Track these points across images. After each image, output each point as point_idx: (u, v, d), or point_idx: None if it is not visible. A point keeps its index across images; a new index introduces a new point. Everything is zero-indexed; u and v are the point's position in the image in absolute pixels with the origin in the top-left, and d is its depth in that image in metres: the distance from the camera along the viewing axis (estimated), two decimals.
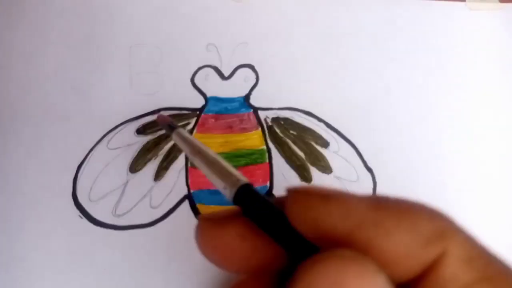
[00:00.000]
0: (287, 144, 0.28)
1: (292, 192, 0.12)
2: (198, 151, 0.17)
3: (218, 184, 0.15)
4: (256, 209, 0.13)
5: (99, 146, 0.27)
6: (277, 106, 0.28)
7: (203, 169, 0.17)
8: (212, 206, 0.26)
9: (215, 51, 0.29)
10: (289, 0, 0.31)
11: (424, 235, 0.10)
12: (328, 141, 0.28)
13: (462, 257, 0.10)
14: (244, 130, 0.28)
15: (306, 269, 0.10)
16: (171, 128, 0.21)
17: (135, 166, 0.27)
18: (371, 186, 0.27)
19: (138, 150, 0.27)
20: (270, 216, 0.12)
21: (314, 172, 0.27)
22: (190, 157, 0.18)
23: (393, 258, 0.10)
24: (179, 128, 0.21)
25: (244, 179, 0.14)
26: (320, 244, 0.11)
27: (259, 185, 0.27)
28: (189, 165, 0.27)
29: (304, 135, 0.28)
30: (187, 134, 0.20)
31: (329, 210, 0.11)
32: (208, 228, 0.14)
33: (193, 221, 0.26)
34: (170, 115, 0.28)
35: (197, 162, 0.17)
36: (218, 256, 0.13)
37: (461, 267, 0.10)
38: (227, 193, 0.14)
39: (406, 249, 0.10)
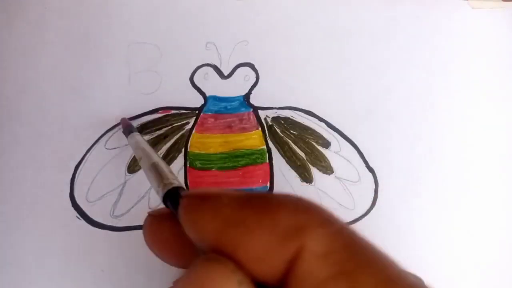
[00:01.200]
0: (287, 144, 0.28)
1: (182, 197, 0.13)
2: (143, 154, 0.20)
3: (153, 185, 0.17)
4: (177, 210, 0.14)
5: (96, 146, 0.27)
6: (277, 106, 0.28)
7: (144, 171, 0.18)
8: None
9: (214, 50, 0.29)
10: None
11: (281, 231, 0.10)
12: (329, 141, 0.28)
13: (317, 252, 0.10)
14: (243, 129, 0.28)
15: (184, 274, 0.11)
16: (129, 132, 0.23)
17: (133, 166, 0.26)
18: (373, 186, 0.27)
19: None
20: None
21: (315, 172, 0.27)
22: (138, 159, 0.20)
23: (255, 257, 0.10)
24: (136, 133, 0.23)
25: (176, 183, 0.15)
26: (202, 246, 0.12)
27: (259, 185, 0.27)
28: (188, 165, 0.27)
29: (305, 135, 0.28)
30: (140, 139, 0.22)
31: (201, 212, 0.11)
32: (150, 223, 0.15)
33: None
34: (169, 115, 0.28)
35: (141, 164, 0.19)
36: (157, 249, 0.14)
37: (317, 263, 0.10)
38: (159, 194, 0.16)
39: (265, 247, 0.10)
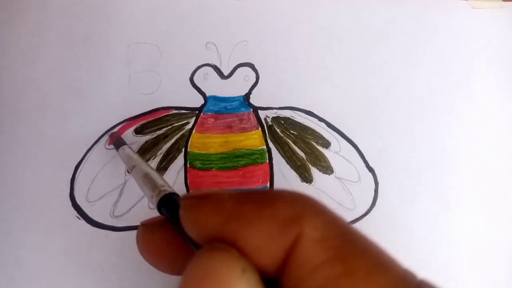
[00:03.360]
0: (287, 144, 0.28)
1: (181, 199, 0.13)
2: (134, 165, 0.20)
3: (147, 194, 0.17)
4: (172, 216, 0.14)
5: (96, 146, 0.27)
6: (277, 106, 0.28)
7: (137, 181, 0.19)
8: None
9: (214, 50, 0.29)
10: None
11: (280, 221, 0.11)
12: (329, 141, 0.28)
13: (314, 238, 0.11)
14: (243, 129, 0.28)
15: (186, 267, 0.11)
16: (119, 144, 0.24)
17: None
18: (373, 186, 0.27)
19: (136, 150, 0.27)
20: (179, 222, 0.13)
21: (315, 172, 0.27)
22: (129, 171, 0.21)
23: (256, 246, 0.11)
24: (126, 146, 0.24)
25: (169, 189, 0.16)
26: (206, 242, 0.12)
27: (259, 185, 0.26)
28: (188, 165, 0.27)
29: (305, 135, 0.28)
30: (129, 151, 0.23)
31: (202, 210, 0.12)
32: (142, 233, 0.15)
33: None
34: (169, 115, 0.28)
35: (133, 174, 0.20)
36: (150, 257, 0.15)
37: (314, 247, 0.11)
38: (154, 201, 0.16)
39: (266, 236, 0.11)
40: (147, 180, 0.18)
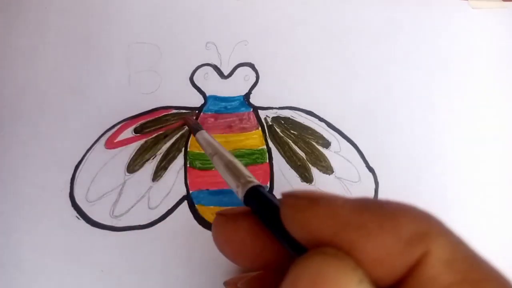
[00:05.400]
0: (287, 144, 0.28)
1: (284, 196, 0.12)
2: (216, 152, 0.19)
3: (231, 183, 0.16)
4: (261, 209, 0.14)
5: (96, 146, 0.27)
6: (277, 105, 0.28)
7: (219, 169, 0.18)
8: (212, 207, 0.26)
9: (214, 50, 0.29)
10: None
11: (405, 237, 0.10)
12: (330, 141, 0.28)
13: (443, 259, 0.10)
14: (244, 129, 0.28)
15: (293, 267, 0.10)
16: (196, 129, 0.23)
17: (133, 166, 0.26)
18: (373, 186, 0.27)
19: (136, 149, 0.27)
20: (273, 218, 0.13)
21: (315, 172, 0.27)
22: (210, 157, 0.20)
23: (375, 259, 0.10)
24: (203, 130, 0.23)
25: (255, 181, 0.15)
26: (311, 245, 0.12)
27: None
28: (188, 165, 0.27)
29: (305, 135, 0.28)
30: (208, 136, 0.22)
31: (315, 213, 0.11)
32: (223, 223, 0.14)
33: (192, 222, 0.25)
34: (169, 114, 0.28)
35: (214, 162, 0.19)
36: (230, 250, 0.14)
37: (442, 268, 0.10)
38: (239, 192, 0.15)
39: (388, 250, 0.10)
40: (231, 170, 0.17)
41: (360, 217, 0.11)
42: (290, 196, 0.12)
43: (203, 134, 0.22)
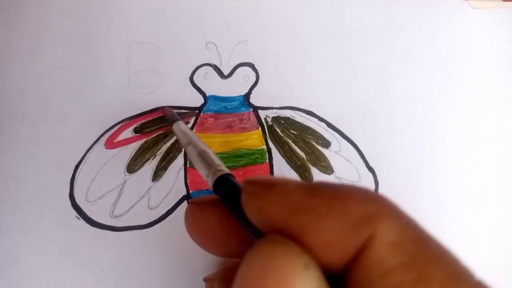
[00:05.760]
0: (287, 144, 0.28)
1: (244, 183, 0.13)
2: (190, 142, 0.20)
3: (202, 172, 0.17)
4: (228, 197, 0.14)
5: (96, 146, 0.27)
6: (277, 105, 0.28)
7: (192, 158, 0.19)
8: None
9: (214, 50, 0.29)
10: None
11: (353, 219, 0.11)
12: (330, 141, 0.28)
13: (389, 241, 0.10)
14: (244, 129, 0.28)
15: (245, 256, 0.11)
16: (173, 120, 0.24)
17: (133, 166, 0.26)
18: (373, 186, 0.27)
19: (136, 149, 0.27)
20: (237, 205, 0.13)
21: (315, 172, 0.27)
22: (184, 147, 0.20)
23: (325, 242, 0.11)
24: (180, 121, 0.23)
25: (225, 170, 0.16)
26: (267, 231, 0.12)
27: None
28: (188, 165, 0.27)
29: (305, 135, 0.28)
30: (184, 127, 0.22)
31: (269, 198, 0.12)
32: (193, 211, 0.15)
33: None
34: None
35: (188, 151, 0.19)
36: (199, 236, 0.15)
37: (388, 250, 0.10)
38: (209, 181, 0.16)
39: (336, 233, 0.11)
40: (203, 158, 0.17)
41: (310, 200, 0.11)
42: (249, 183, 0.12)
43: (179, 125, 0.23)
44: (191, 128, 0.27)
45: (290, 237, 0.11)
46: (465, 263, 0.11)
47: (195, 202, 0.15)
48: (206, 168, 0.17)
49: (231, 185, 0.15)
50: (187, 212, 0.15)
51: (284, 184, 0.12)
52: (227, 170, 0.16)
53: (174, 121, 0.24)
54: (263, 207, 0.12)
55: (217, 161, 0.17)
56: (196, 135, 0.21)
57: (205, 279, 0.17)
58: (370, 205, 0.11)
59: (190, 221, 0.15)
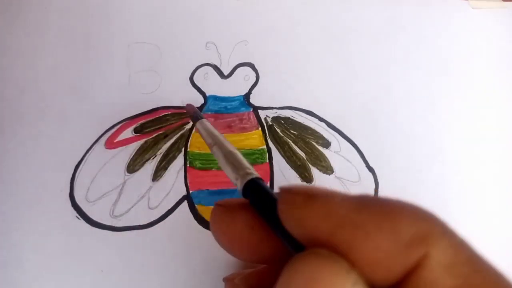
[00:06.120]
0: (287, 144, 0.28)
1: (282, 190, 0.12)
2: (215, 142, 0.19)
3: (230, 175, 0.16)
4: (260, 203, 0.14)
5: (96, 146, 0.27)
6: (277, 105, 0.28)
7: (218, 160, 0.18)
8: (212, 207, 0.26)
9: (214, 50, 0.29)
10: None
11: (405, 239, 0.10)
12: (329, 141, 0.28)
13: (443, 262, 0.10)
14: (243, 129, 0.28)
15: (287, 268, 0.10)
16: (196, 117, 0.22)
17: (133, 166, 0.26)
18: (373, 186, 0.27)
19: (136, 149, 0.27)
20: (271, 212, 0.13)
21: (315, 172, 0.27)
22: (209, 147, 0.19)
23: (372, 260, 0.10)
24: (204, 119, 0.22)
25: (255, 173, 0.15)
26: (307, 242, 0.11)
27: None
28: (188, 165, 0.27)
29: (305, 135, 0.28)
30: (209, 126, 0.21)
31: (312, 210, 0.11)
32: (221, 213, 0.14)
33: (192, 222, 0.25)
34: (169, 114, 0.28)
35: (214, 152, 0.18)
36: (227, 241, 0.14)
37: (442, 272, 0.10)
38: (238, 184, 0.15)
39: (386, 252, 0.10)
40: (230, 160, 0.17)
41: (358, 216, 0.11)
42: (287, 192, 0.12)
43: (203, 123, 0.22)
44: (191, 128, 0.27)
45: (336, 251, 0.10)
46: None
47: (223, 205, 0.14)
48: (234, 171, 0.16)
49: (262, 189, 0.14)
50: (214, 215, 0.14)
51: (329, 196, 0.11)
52: (256, 174, 0.15)
53: (197, 119, 0.22)
54: (305, 219, 0.11)
55: (246, 163, 0.16)
56: (222, 135, 0.20)
57: (226, 280, 0.16)
58: (422, 224, 0.10)
59: (218, 225, 0.14)
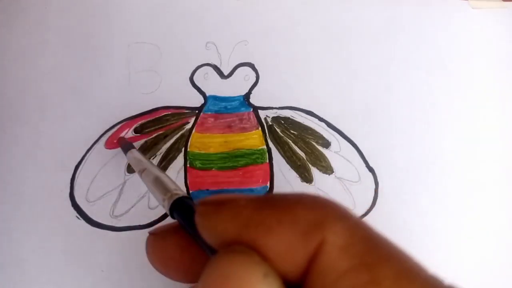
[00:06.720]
0: (287, 144, 0.28)
1: (197, 204, 0.13)
2: (144, 169, 0.20)
3: (158, 198, 0.17)
4: (185, 220, 0.14)
5: (96, 146, 0.27)
6: (277, 105, 0.28)
7: (147, 186, 0.18)
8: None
9: (214, 50, 0.29)
10: None
11: (302, 228, 0.11)
12: (329, 141, 0.28)
13: (339, 245, 0.10)
14: (243, 129, 0.28)
15: (203, 271, 0.11)
16: (127, 148, 0.23)
17: None
18: (373, 186, 0.27)
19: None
20: (194, 227, 0.13)
21: (315, 172, 0.27)
22: (139, 175, 0.20)
23: (278, 253, 0.11)
24: (134, 149, 0.23)
25: (182, 193, 0.15)
26: (221, 247, 0.12)
27: (259, 185, 0.26)
28: (188, 165, 0.27)
29: (305, 135, 0.28)
30: (138, 154, 0.22)
31: (221, 216, 0.12)
32: (153, 242, 0.15)
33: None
34: (169, 115, 0.28)
35: (143, 179, 0.19)
36: (162, 266, 0.15)
37: (338, 255, 0.10)
38: (165, 206, 0.15)
39: (288, 244, 0.11)
40: (158, 184, 0.17)
41: (260, 214, 0.11)
42: (201, 204, 0.12)
43: (133, 153, 0.23)
44: (191, 128, 0.27)
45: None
46: (416, 259, 0.11)
47: (154, 233, 0.15)
48: (161, 194, 0.16)
49: (186, 207, 0.14)
50: (148, 244, 0.15)
51: (234, 201, 0.12)
52: (183, 193, 0.15)
53: (128, 149, 0.23)
54: (215, 226, 0.12)
55: (172, 185, 0.17)
56: (150, 162, 0.21)
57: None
58: (317, 212, 0.11)
59: (151, 253, 0.15)
